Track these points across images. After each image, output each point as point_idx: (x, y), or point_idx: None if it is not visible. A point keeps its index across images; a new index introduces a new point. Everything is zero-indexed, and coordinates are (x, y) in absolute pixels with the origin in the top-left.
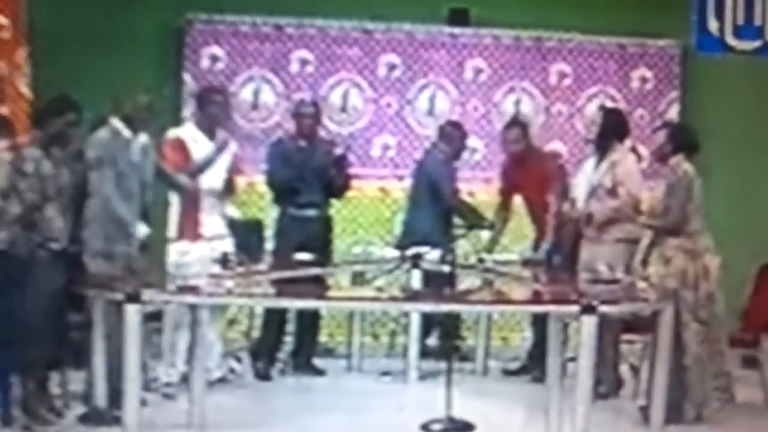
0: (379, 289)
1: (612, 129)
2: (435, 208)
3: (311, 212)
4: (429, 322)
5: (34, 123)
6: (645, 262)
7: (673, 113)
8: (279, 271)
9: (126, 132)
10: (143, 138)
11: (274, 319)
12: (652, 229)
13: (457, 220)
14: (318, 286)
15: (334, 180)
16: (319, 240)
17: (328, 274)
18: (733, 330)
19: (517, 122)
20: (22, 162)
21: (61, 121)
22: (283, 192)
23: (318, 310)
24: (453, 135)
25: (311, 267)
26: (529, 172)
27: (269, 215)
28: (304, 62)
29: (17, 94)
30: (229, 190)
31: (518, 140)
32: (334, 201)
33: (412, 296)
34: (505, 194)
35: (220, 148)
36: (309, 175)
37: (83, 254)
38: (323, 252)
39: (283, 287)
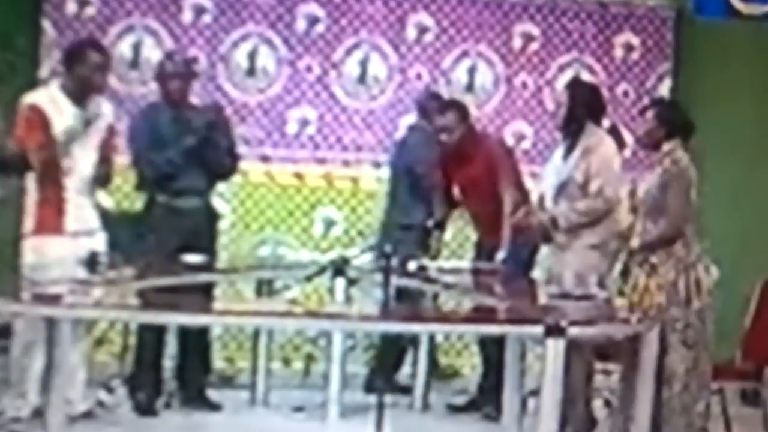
0: (293, 302)
1: (583, 107)
2: (415, 202)
3: (190, 202)
4: (401, 350)
5: None
6: (625, 273)
7: (663, 90)
8: (160, 276)
9: None
10: None
11: (152, 338)
12: (647, 247)
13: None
14: (208, 298)
15: (218, 158)
16: (201, 237)
17: (226, 281)
18: (730, 359)
19: (449, 104)
20: None
21: None
22: (153, 175)
23: (208, 328)
24: (436, 110)
25: (203, 272)
26: (470, 165)
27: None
28: (199, 10)
29: None
30: (101, 173)
31: (453, 128)
32: (224, 187)
33: (334, 311)
34: (445, 189)
35: (90, 119)
36: (182, 153)
37: None
38: (208, 253)
39: (165, 298)
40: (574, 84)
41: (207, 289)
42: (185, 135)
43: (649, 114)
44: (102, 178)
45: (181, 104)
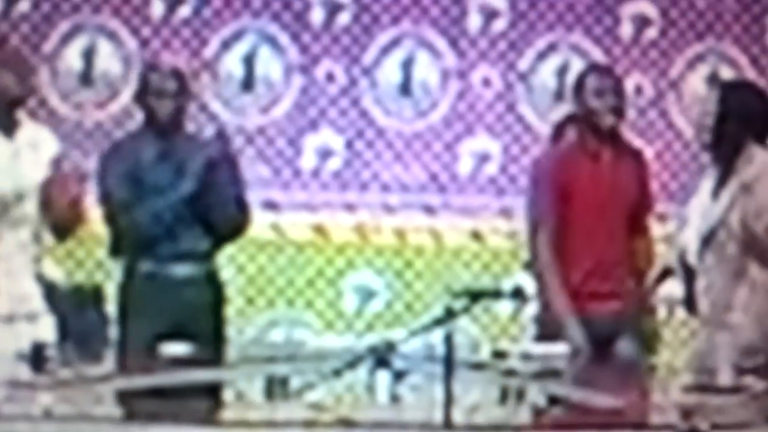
0: (318, 407)
1: (741, 119)
2: None
3: (184, 269)
4: None
5: None
6: None
7: None
8: (133, 376)
9: None
10: None
11: None
12: None
13: (457, 286)
14: (206, 402)
15: (225, 209)
16: (201, 318)
17: (224, 380)
18: None
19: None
20: None
21: None
22: (132, 234)
23: None
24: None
25: (192, 367)
26: (604, 185)
27: (112, 277)
28: (174, 0)
29: None
30: (59, 232)
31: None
32: (227, 249)
33: (377, 419)
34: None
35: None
36: (175, 203)
37: None
38: (210, 341)
39: (140, 404)
40: (729, 86)
41: (212, 391)
42: (179, 177)
43: None
44: (58, 231)
45: (173, 134)
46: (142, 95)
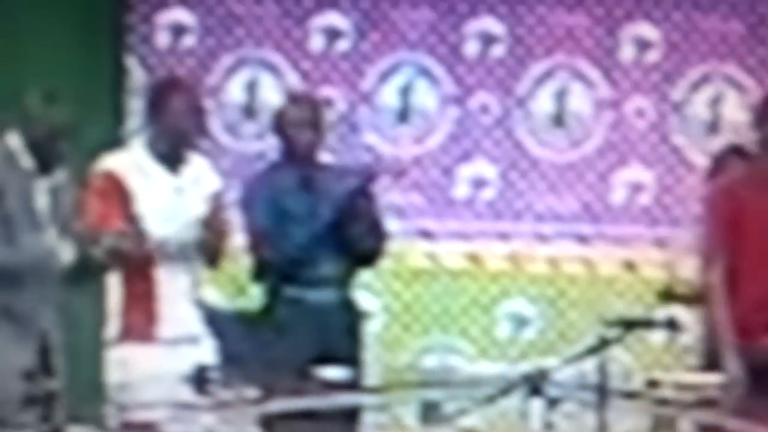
0: None
1: None
2: None
3: (325, 295)
4: None
5: None
6: None
7: None
8: (290, 398)
9: (24, 161)
10: (60, 176)
11: None
12: None
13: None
14: (353, 426)
15: (363, 236)
16: (342, 343)
17: (378, 404)
18: None
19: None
20: None
21: None
22: (275, 261)
23: None
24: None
25: (346, 391)
26: None
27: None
28: (333, 34)
29: None
30: (208, 258)
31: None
32: (371, 276)
33: None
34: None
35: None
36: (316, 230)
37: None
38: (350, 365)
39: (296, 426)
40: None
41: (351, 415)
42: (319, 206)
43: None
44: (207, 263)
45: (311, 164)
46: (281, 126)
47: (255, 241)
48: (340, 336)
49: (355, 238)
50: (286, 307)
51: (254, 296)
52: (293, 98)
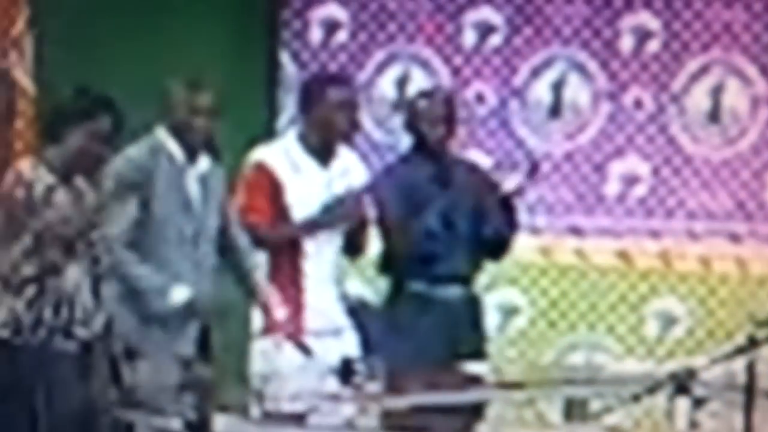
0: (615, 431)
1: None
2: None
3: (452, 291)
4: None
5: (42, 134)
6: None
7: None
8: (433, 391)
9: (175, 150)
10: (204, 163)
11: None
12: None
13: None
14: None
15: (495, 231)
16: (468, 339)
17: (524, 398)
18: None
19: None
20: (29, 198)
21: (86, 131)
22: (404, 254)
23: None
24: None
25: (481, 386)
26: None
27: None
28: (486, 30)
29: (11, 86)
30: (352, 250)
31: None
32: (519, 271)
33: None
34: None
35: (350, 212)
36: (446, 224)
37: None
38: (477, 360)
39: (429, 420)
40: None
41: (478, 410)
42: (451, 200)
43: None
44: (351, 255)
45: (442, 157)
46: (413, 119)
47: (385, 234)
48: (464, 332)
49: (487, 232)
50: (411, 302)
51: (380, 289)
52: (425, 93)
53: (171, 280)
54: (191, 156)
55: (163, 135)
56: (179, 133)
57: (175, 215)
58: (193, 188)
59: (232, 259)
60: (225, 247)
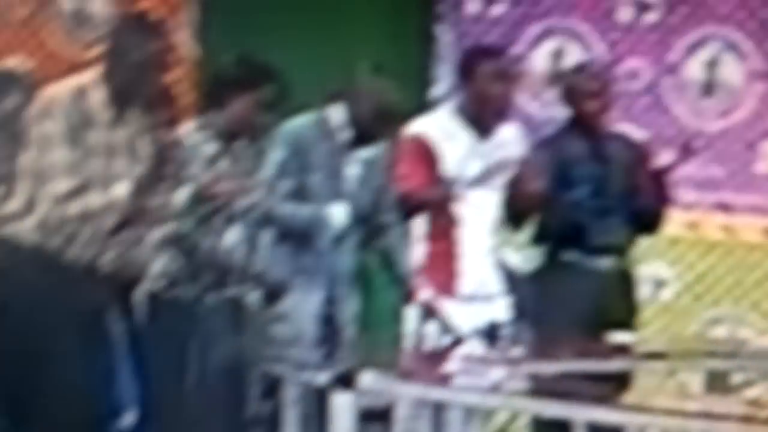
0: (755, 404)
1: None
2: None
3: (605, 262)
4: None
5: (203, 100)
6: None
7: None
8: (577, 359)
9: (340, 133)
10: (375, 150)
11: None
12: None
13: None
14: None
15: (650, 204)
16: (619, 309)
17: (665, 370)
18: None
19: None
20: (189, 159)
21: (249, 99)
22: (559, 225)
23: None
24: None
25: (629, 356)
26: None
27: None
28: (642, 6)
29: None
30: (515, 220)
31: None
32: (666, 246)
33: None
34: None
35: (498, 167)
36: (601, 197)
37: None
38: (627, 330)
39: (574, 386)
40: None
41: (620, 379)
42: (606, 174)
43: None
44: (517, 221)
45: (597, 132)
46: (570, 95)
47: (540, 205)
48: (616, 303)
49: (639, 206)
50: (565, 272)
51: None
52: (579, 68)
53: (321, 207)
54: (361, 141)
55: (335, 114)
56: (358, 117)
57: (329, 195)
58: (351, 173)
59: (379, 245)
60: (373, 232)
